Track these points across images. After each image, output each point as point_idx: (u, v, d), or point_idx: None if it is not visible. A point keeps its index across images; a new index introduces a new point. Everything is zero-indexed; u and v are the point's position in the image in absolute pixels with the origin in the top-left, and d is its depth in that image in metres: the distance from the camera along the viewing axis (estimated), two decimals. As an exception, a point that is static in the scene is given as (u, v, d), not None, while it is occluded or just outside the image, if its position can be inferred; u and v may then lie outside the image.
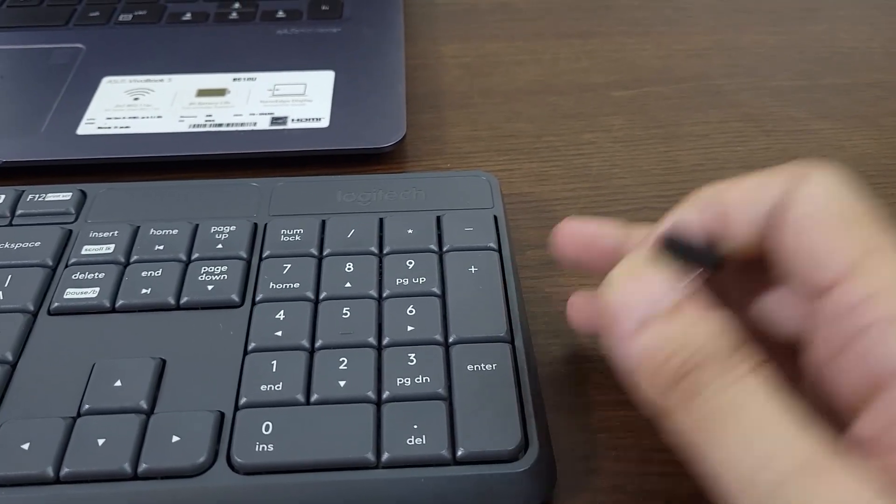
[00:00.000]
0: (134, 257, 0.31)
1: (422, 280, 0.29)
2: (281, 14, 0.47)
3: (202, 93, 0.40)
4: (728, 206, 0.23)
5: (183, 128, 0.38)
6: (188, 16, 0.46)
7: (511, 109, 0.43)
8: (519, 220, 0.36)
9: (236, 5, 0.47)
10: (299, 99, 0.40)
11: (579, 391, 0.29)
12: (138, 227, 0.32)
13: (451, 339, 0.28)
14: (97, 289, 0.29)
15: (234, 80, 0.41)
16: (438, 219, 0.32)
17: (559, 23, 0.50)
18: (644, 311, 0.21)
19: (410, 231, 0.31)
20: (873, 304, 0.19)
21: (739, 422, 0.19)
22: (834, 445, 0.18)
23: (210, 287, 0.29)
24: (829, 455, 0.18)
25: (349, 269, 0.30)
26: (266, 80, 0.41)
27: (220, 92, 0.40)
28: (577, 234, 0.27)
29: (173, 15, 0.47)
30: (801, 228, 0.21)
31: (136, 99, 0.40)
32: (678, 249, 0.22)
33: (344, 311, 0.28)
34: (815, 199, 0.22)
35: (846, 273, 0.20)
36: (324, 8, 0.47)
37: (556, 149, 0.40)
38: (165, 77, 0.41)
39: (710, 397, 0.19)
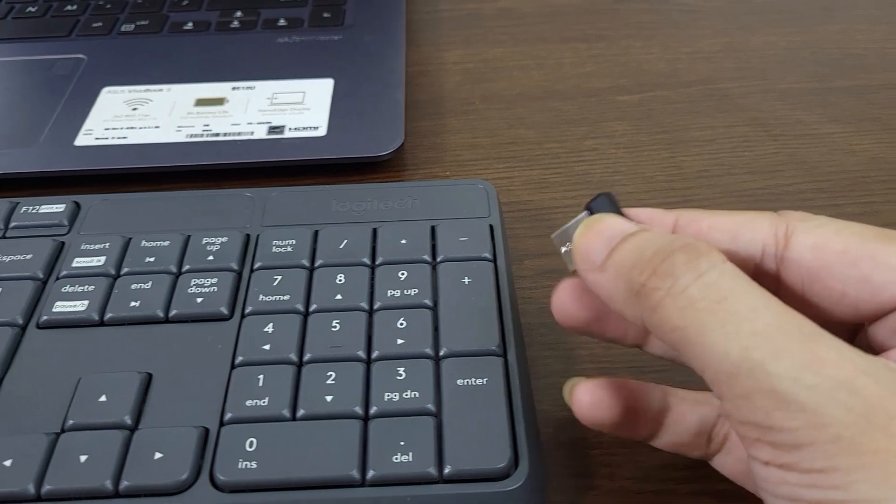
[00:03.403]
0: (124, 269, 0.30)
1: (414, 292, 0.29)
2: (282, 22, 0.46)
3: (200, 102, 0.40)
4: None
5: (180, 138, 0.38)
6: (190, 25, 0.46)
7: (513, 115, 0.42)
8: (517, 228, 0.35)
9: (238, 14, 0.47)
10: (297, 107, 0.39)
11: (575, 405, 0.28)
12: (130, 238, 0.31)
13: (441, 353, 0.27)
14: (86, 302, 0.29)
15: (234, 88, 0.41)
16: (433, 228, 0.32)
17: (564, 27, 0.49)
18: (610, 236, 0.22)
19: (404, 241, 0.31)
20: None
21: (725, 304, 0.19)
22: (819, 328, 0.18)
23: (199, 300, 0.29)
24: (818, 332, 0.18)
25: (340, 280, 0.29)
26: (265, 89, 0.41)
27: (219, 101, 0.40)
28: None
29: (175, 24, 0.46)
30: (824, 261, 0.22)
31: (134, 109, 0.40)
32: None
33: (333, 324, 0.28)
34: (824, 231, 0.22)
35: None
36: (325, 15, 0.47)
37: (557, 156, 0.39)
38: (165, 87, 0.41)
39: (689, 283, 0.19)
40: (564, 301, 0.25)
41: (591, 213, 0.23)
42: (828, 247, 0.22)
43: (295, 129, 0.38)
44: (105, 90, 0.41)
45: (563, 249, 0.24)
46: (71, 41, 0.45)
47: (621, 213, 0.23)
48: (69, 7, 0.48)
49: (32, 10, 0.48)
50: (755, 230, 0.23)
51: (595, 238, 0.22)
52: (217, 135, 0.38)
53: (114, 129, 0.38)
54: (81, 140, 0.38)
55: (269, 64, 0.43)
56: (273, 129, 0.38)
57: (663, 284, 0.20)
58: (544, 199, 0.37)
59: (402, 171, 0.38)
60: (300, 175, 0.37)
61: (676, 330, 0.19)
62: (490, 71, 0.45)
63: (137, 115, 0.39)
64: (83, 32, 0.46)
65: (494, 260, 0.30)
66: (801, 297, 0.22)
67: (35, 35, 0.46)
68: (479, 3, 0.52)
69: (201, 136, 0.38)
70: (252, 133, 0.38)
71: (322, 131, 0.38)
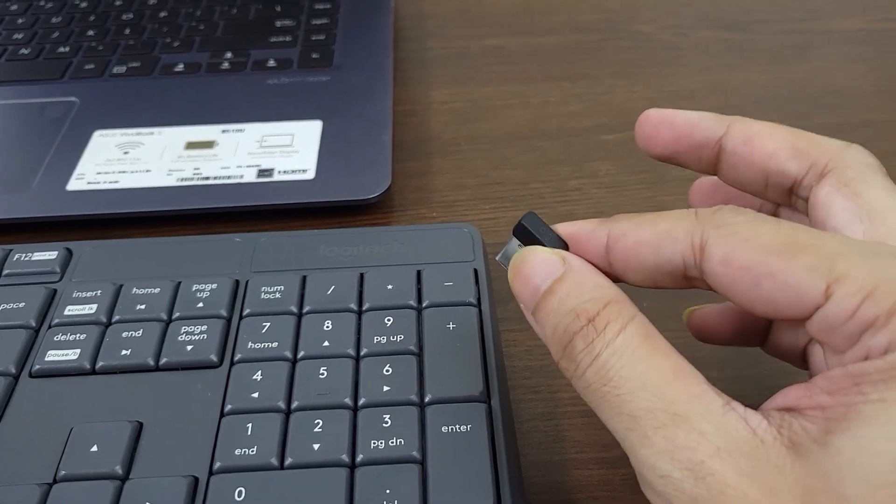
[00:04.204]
0: (116, 317, 0.31)
1: (399, 338, 0.29)
2: (272, 63, 0.47)
3: (191, 145, 0.41)
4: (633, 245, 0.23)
5: (171, 182, 0.38)
6: (181, 67, 0.47)
7: (498, 156, 0.43)
8: (502, 270, 0.35)
9: (228, 55, 0.48)
10: (286, 150, 0.40)
11: (557, 448, 0.29)
12: (121, 286, 0.32)
13: (426, 399, 0.28)
14: (78, 350, 0.30)
15: (223, 131, 0.42)
16: (419, 273, 0.32)
17: (550, 65, 0.50)
18: (534, 287, 0.23)
19: (390, 287, 0.32)
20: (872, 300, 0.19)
21: (611, 386, 0.20)
22: (699, 390, 0.20)
23: (189, 347, 0.30)
24: (692, 403, 0.19)
25: (328, 327, 0.30)
26: (254, 132, 0.42)
27: (209, 144, 0.41)
28: (668, 124, 0.27)
29: (166, 66, 0.47)
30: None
31: (125, 153, 0.40)
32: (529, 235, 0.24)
33: (321, 371, 0.28)
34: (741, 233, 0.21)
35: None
36: (314, 56, 0.48)
37: (541, 196, 0.40)
38: (156, 129, 0.42)
39: (586, 367, 0.21)
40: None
41: (519, 239, 0.25)
42: (735, 261, 0.21)
43: (284, 171, 0.39)
44: (97, 133, 0.42)
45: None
46: (63, 84, 0.46)
47: (550, 232, 0.24)
48: (62, 49, 0.49)
49: (25, 52, 0.49)
50: (675, 241, 0.22)
51: (522, 285, 0.23)
52: (207, 178, 0.39)
53: (105, 173, 0.39)
54: (74, 184, 0.38)
55: (258, 106, 0.44)
56: (262, 173, 0.39)
57: (570, 367, 0.22)
58: (529, 241, 0.37)
59: (389, 213, 0.39)
60: (289, 218, 0.38)
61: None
62: (477, 111, 0.46)
63: (129, 158, 0.40)
64: (76, 75, 0.47)
65: (479, 304, 0.31)
66: (728, 301, 0.22)
67: (28, 78, 0.47)
68: (467, 42, 0.53)
69: (192, 179, 0.39)
70: (242, 176, 0.39)
71: (311, 174, 0.39)
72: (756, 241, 0.20)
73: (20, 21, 0.52)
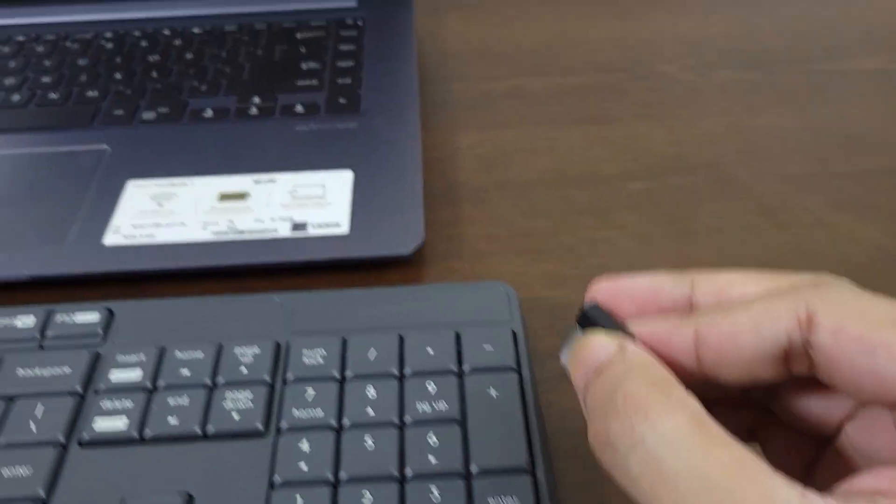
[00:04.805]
0: (161, 383, 0.31)
1: (443, 406, 0.30)
2: (300, 108, 0.48)
3: (224, 197, 0.41)
4: (728, 336, 0.22)
5: (206, 236, 0.39)
6: (209, 113, 0.47)
7: (527, 204, 0.43)
8: (536, 326, 0.36)
9: (256, 100, 0.49)
10: (319, 202, 0.41)
11: (600, 517, 0.29)
12: (164, 348, 0.32)
13: (472, 471, 0.28)
14: (125, 418, 0.30)
15: (255, 182, 0.42)
16: (458, 335, 0.33)
17: (573, 107, 0.51)
18: (586, 371, 0.22)
19: (431, 351, 0.32)
20: None
21: (659, 476, 0.19)
22: (769, 484, 0.18)
23: (235, 415, 0.30)
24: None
25: (371, 394, 0.30)
26: (286, 182, 0.42)
27: (242, 196, 0.41)
28: (626, 295, 0.25)
29: (195, 112, 0.48)
30: (843, 352, 0.21)
31: (160, 204, 0.41)
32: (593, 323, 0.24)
33: (367, 441, 0.29)
34: (846, 316, 0.21)
35: None
36: (341, 101, 0.48)
37: (571, 248, 0.40)
38: (188, 180, 0.42)
39: (628, 454, 0.20)
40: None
41: (582, 327, 0.24)
42: (847, 332, 0.21)
43: (317, 225, 0.39)
44: (130, 183, 0.42)
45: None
46: (94, 130, 0.47)
47: (614, 322, 0.24)
48: (90, 93, 0.50)
49: (54, 96, 0.49)
50: (776, 320, 0.22)
51: (576, 369, 0.23)
52: (242, 232, 0.39)
53: (141, 226, 0.40)
54: (110, 239, 0.39)
55: (288, 154, 0.44)
56: (296, 227, 0.39)
57: (612, 457, 0.20)
58: (560, 295, 0.38)
59: (421, 266, 0.39)
60: (324, 272, 0.38)
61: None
62: (503, 156, 0.47)
63: (163, 210, 0.40)
64: (105, 121, 0.47)
65: (519, 369, 0.32)
66: (827, 377, 0.22)
67: (58, 125, 0.47)
68: (491, 83, 0.53)
69: (226, 233, 0.39)
70: (276, 230, 0.39)
71: (344, 228, 0.39)
72: (869, 314, 0.20)
73: (47, 63, 0.53)
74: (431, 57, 0.56)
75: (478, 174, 0.45)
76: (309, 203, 0.41)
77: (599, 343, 0.23)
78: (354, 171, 0.43)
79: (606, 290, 0.25)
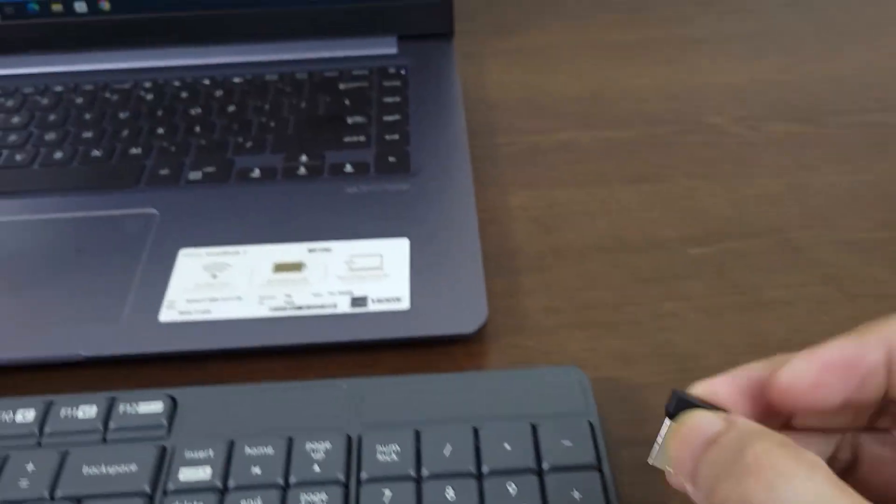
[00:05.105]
0: (231, 482, 0.30)
1: (526, 511, 0.29)
2: (349, 168, 0.47)
3: (279, 268, 0.40)
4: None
5: (263, 311, 0.38)
6: (257, 172, 0.47)
7: (586, 273, 0.42)
8: (608, 411, 0.35)
9: (303, 158, 0.48)
10: (377, 273, 0.40)
11: None
12: (233, 442, 0.31)
13: (562, 585, 0.27)
14: (198, 524, 0.29)
15: (310, 251, 0.41)
16: (534, 428, 0.32)
17: (624, 163, 0.50)
18: (694, 447, 0.22)
19: (507, 446, 0.31)
20: None
21: None
22: None
23: (311, 520, 0.29)
24: None
25: (451, 496, 0.29)
26: (341, 251, 0.41)
27: (297, 267, 0.40)
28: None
29: (242, 171, 0.47)
30: None
31: (214, 276, 0.40)
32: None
33: (450, 550, 0.28)
34: None
35: None
36: (391, 159, 0.47)
37: (637, 322, 0.39)
38: (241, 248, 0.41)
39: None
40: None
41: (671, 416, 0.24)
42: None
43: (378, 300, 0.38)
44: (182, 252, 0.41)
45: (668, 468, 0.24)
46: (139, 192, 0.46)
47: (704, 403, 0.24)
48: (133, 150, 0.49)
49: (97, 153, 0.49)
50: (863, 359, 0.23)
51: (680, 446, 0.23)
52: (300, 308, 0.38)
53: (196, 300, 0.39)
54: (165, 315, 0.38)
55: (341, 220, 0.43)
56: (356, 301, 0.38)
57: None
58: (631, 375, 0.37)
59: (484, 342, 0.38)
60: (384, 349, 0.37)
61: None
62: (557, 218, 0.46)
63: (217, 283, 0.39)
64: (151, 182, 0.46)
65: (600, 466, 0.31)
66: None
67: (104, 185, 0.46)
68: (537, 136, 0.52)
69: (284, 309, 0.38)
70: (335, 305, 0.38)
71: (405, 303, 0.38)
72: None
73: (87, 116, 0.52)
74: (475, 107, 0.55)
75: (533, 239, 0.44)
76: (367, 275, 0.40)
77: (704, 418, 0.23)
78: (410, 238, 0.42)
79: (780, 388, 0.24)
